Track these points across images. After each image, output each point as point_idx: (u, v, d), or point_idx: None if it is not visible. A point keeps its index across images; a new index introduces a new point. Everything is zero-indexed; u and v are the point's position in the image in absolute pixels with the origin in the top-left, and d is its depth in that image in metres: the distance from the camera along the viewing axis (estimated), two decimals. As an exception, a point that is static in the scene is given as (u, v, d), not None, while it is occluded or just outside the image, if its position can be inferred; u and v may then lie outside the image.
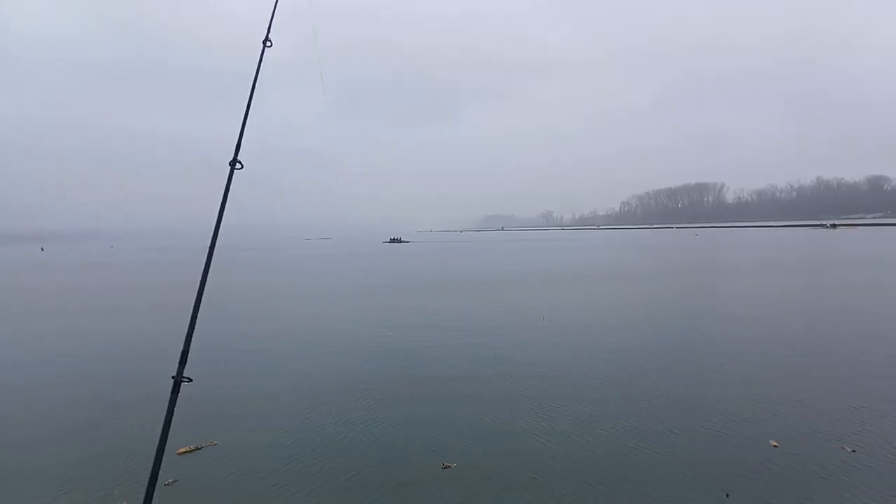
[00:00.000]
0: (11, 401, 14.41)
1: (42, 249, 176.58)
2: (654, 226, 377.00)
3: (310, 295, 34.83)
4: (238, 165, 3.05)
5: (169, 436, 10.99)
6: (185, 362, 1.70)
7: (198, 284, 2.82)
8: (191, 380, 1.67)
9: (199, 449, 11.04)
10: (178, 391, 1.61)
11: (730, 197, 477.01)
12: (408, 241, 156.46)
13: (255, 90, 4.19)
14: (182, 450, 11.06)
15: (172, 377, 1.60)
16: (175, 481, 9.65)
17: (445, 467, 9.67)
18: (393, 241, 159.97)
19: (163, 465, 9.94)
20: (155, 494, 8.91)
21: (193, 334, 3.10)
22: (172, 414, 1.54)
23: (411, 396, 13.44)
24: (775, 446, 10.07)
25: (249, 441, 11.36)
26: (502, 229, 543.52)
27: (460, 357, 16.91)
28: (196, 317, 1.67)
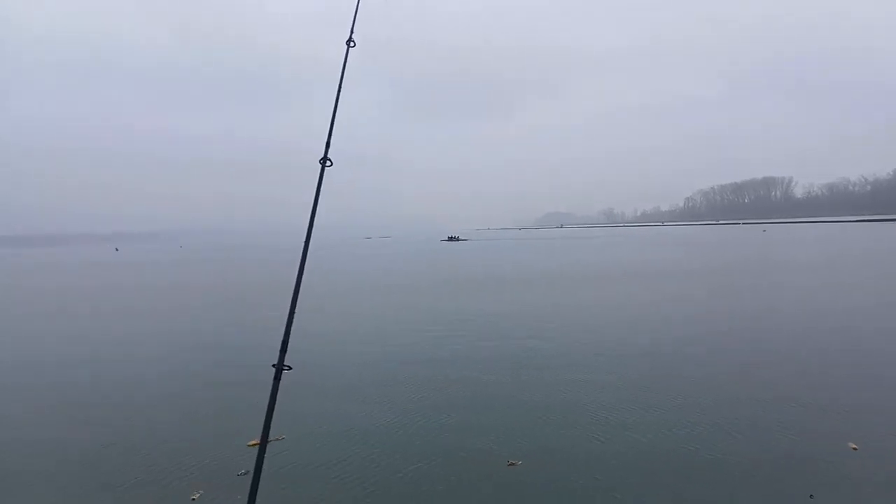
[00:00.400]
0: (122, 390, 15.15)
1: (116, 249, 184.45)
2: (720, 222, 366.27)
3: (370, 292, 35.24)
4: (328, 163, 3.02)
5: (241, 429, 11.40)
6: (286, 350, 1.72)
7: (295, 276, 2.84)
8: (290, 367, 1.68)
9: (268, 442, 11.25)
10: (280, 378, 1.62)
11: (799, 192, 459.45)
12: (465, 240, 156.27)
13: (337, 89, 4.28)
14: (252, 442, 11.36)
15: (273, 365, 1.61)
16: (247, 472, 9.89)
17: (511, 465, 9.57)
18: (451, 239, 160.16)
19: (235, 457, 10.43)
20: (235, 485, 9.24)
21: (280, 326, 3.12)
22: (275, 401, 1.54)
23: (474, 394, 13.39)
24: (854, 449, 9.65)
25: (316, 436, 11.54)
26: (561, 227, 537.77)
27: (515, 357, 16.80)
28: (294, 308, 1.68)
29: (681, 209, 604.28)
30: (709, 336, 18.81)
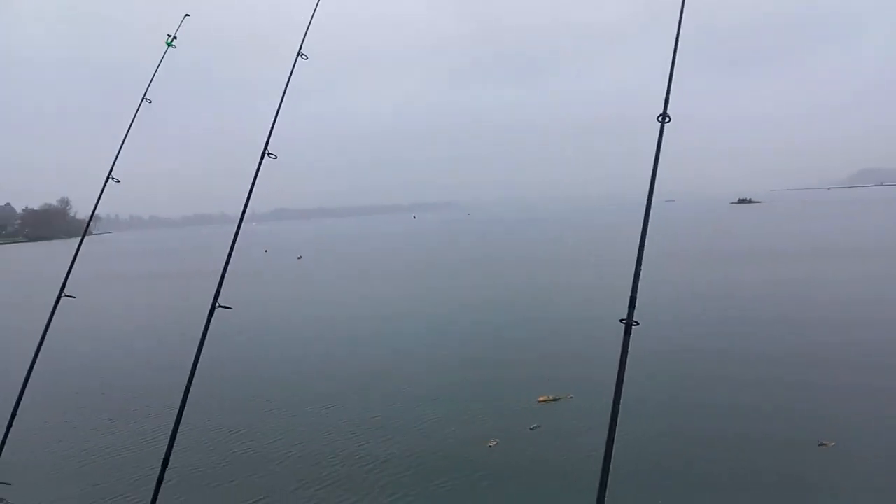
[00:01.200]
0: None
1: (414, 217, 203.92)
2: None
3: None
4: (667, 118, 2.61)
5: (528, 385, 12.33)
6: (634, 307, 1.97)
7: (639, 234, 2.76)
8: (638, 323, 1.93)
9: (557, 400, 11.97)
10: (630, 333, 1.88)
11: None
12: (758, 202, 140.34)
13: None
14: (542, 398, 12.11)
15: (621, 320, 1.87)
16: (539, 426, 10.65)
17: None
18: (742, 201, 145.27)
19: (525, 410, 11.31)
20: (524, 435, 10.14)
21: (623, 283, 3.26)
22: (626, 356, 1.81)
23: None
24: None
25: (602, 396, 11.93)
26: (881, 185, 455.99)
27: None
28: (641, 263, 1.88)
29: None
30: None
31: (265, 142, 3.31)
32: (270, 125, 3.35)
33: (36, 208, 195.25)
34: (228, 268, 3.05)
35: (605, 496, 1.95)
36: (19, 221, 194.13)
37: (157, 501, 2.64)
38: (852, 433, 9.36)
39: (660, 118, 2.54)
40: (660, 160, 2.55)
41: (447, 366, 15.18)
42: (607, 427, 1.99)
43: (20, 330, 23.14)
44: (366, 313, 23.56)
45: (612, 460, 1.99)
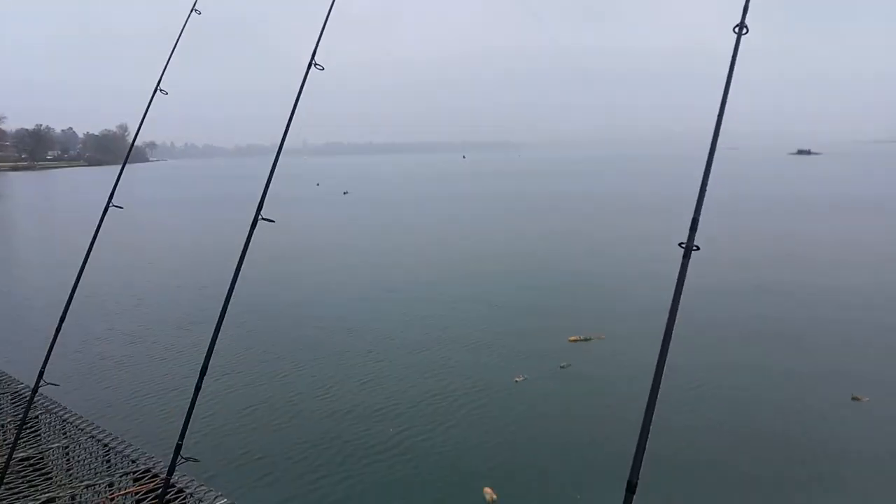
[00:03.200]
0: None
1: (464, 157, 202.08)
2: None
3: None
4: (745, 29, 2.37)
5: (560, 324, 12.30)
6: (696, 229, 1.86)
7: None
8: (698, 248, 1.83)
9: (588, 340, 11.97)
10: (689, 257, 1.77)
11: None
12: (818, 153, 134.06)
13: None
14: (573, 338, 12.13)
15: (680, 244, 1.77)
16: (569, 365, 10.69)
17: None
18: (801, 152, 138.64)
19: (556, 349, 11.30)
20: (553, 373, 10.17)
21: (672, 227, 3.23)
22: (683, 283, 1.72)
23: None
24: None
25: (635, 336, 11.87)
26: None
27: None
28: (706, 183, 1.79)
29: None
30: None
31: (312, 51, 3.16)
32: (319, 34, 3.19)
33: (96, 133, 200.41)
34: (273, 191, 2.98)
35: (647, 436, 1.82)
36: (80, 146, 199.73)
37: (195, 407, 2.65)
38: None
39: (736, 29, 2.29)
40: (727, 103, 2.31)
41: (480, 302, 15.24)
42: (655, 361, 1.85)
43: (74, 242, 24.02)
44: (403, 250, 23.74)
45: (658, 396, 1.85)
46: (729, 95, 2.37)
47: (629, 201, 40.25)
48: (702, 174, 2.06)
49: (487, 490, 6.85)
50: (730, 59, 2.34)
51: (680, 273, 1.96)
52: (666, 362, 1.94)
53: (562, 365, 10.67)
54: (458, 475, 7.30)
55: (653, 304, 14.32)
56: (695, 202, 2.02)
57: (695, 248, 2.06)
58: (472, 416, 8.82)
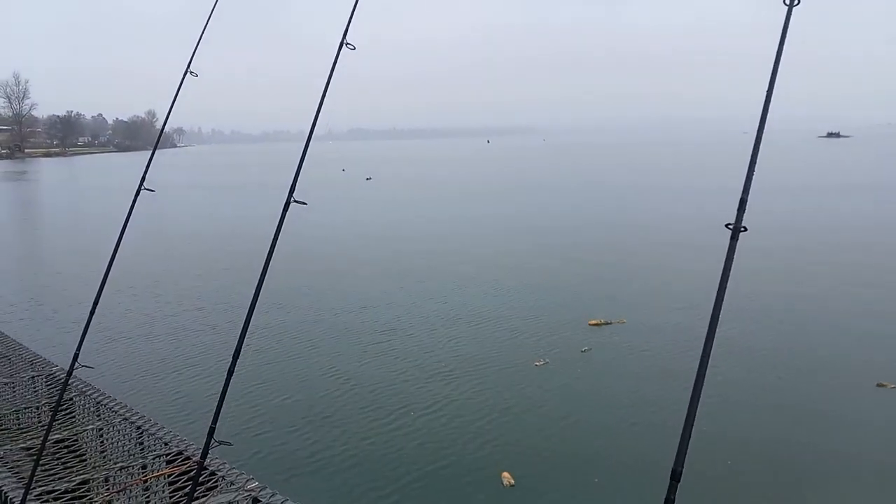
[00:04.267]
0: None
1: (488, 142, 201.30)
2: None
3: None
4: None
5: (580, 307, 12.21)
6: (744, 210, 1.77)
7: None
8: (746, 228, 1.74)
9: (609, 324, 11.87)
10: (737, 238, 1.69)
11: None
12: (847, 136, 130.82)
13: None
14: (593, 322, 12.03)
15: (727, 225, 1.69)
16: (590, 349, 10.61)
17: None
18: (830, 135, 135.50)
19: (577, 333, 11.20)
20: (573, 357, 10.10)
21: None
22: (731, 265, 1.65)
23: None
24: None
25: (656, 319, 11.75)
26: None
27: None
28: (755, 163, 1.72)
29: None
30: None
31: (344, 30, 3.08)
32: (351, 11, 3.11)
33: (125, 119, 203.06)
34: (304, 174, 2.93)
35: (693, 424, 1.74)
36: (110, 132, 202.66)
37: (227, 391, 2.63)
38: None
39: (787, 0, 2.15)
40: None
41: (501, 287, 15.17)
42: (701, 346, 1.77)
43: (106, 225, 24.44)
44: (424, 236, 23.72)
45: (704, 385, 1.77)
46: (777, 73, 2.27)
47: (645, 188, 39.82)
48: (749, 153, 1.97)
49: (505, 474, 6.84)
50: (778, 34, 2.21)
51: (727, 255, 1.86)
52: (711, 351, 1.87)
53: (583, 349, 10.60)
54: (476, 459, 7.30)
55: (674, 288, 14.19)
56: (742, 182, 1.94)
57: (743, 229, 1.96)
58: (491, 400, 8.81)
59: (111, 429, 4.56)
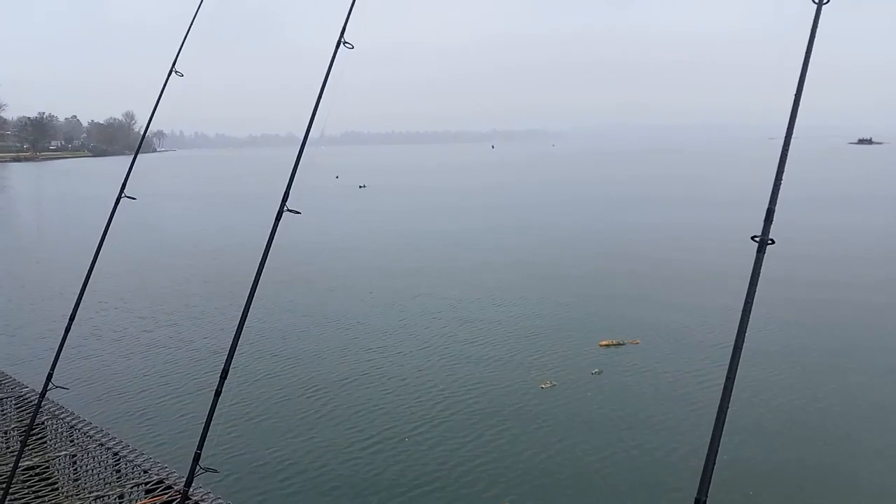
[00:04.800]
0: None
1: (492, 147, 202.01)
2: None
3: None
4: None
5: (591, 327, 12.24)
6: (771, 221, 1.79)
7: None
8: (773, 241, 1.75)
9: (622, 344, 11.87)
10: (764, 251, 1.70)
11: None
12: (879, 143, 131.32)
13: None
14: (604, 342, 12.03)
15: (753, 238, 1.71)
16: (601, 372, 10.59)
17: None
18: (862, 141, 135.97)
19: (586, 354, 11.20)
20: (583, 380, 10.10)
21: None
22: (758, 278, 1.66)
23: None
24: None
25: (672, 340, 11.78)
26: None
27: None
28: (782, 172, 1.73)
29: None
30: None
31: (341, 28, 3.12)
32: (349, 8, 3.14)
33: (101, 122, 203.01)
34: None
35: (717, 451, 1.75)
36: (85, 135, 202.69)
37: (216, 411, 2.63)
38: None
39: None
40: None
41: (502, 304, 15.15)
42: (727, 364, 1.78)
43: (83, 236, 24.44)
44: (419, 249, 23.75)
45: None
46: (806, 76, 2.29)
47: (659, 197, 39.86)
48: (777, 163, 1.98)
49: (507, 504, 6.85)
50: (808, 36, 2.22)
51: (754, 268, 1.86)
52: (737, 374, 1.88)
53: (593, 371, 10.58)
54: (477, 487, 7.27)
55: (694, 306, 14.18)
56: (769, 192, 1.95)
57: (770, 241, 1.97)
58: (494, 424, 8.78)
59: (86, 455, 4.54)
